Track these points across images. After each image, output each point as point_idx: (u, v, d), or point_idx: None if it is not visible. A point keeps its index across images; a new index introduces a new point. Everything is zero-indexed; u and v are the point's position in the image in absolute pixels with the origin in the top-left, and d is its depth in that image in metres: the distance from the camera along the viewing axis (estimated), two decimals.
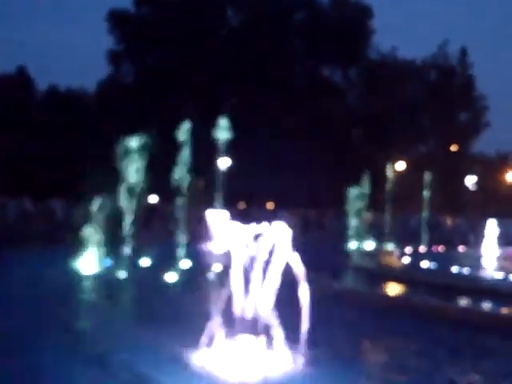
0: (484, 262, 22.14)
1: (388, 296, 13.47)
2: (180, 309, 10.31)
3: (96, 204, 15.97)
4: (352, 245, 27.21)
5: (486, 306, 13.47)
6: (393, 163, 50.32)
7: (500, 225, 31.68)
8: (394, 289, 14.85)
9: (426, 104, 52.78)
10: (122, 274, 14.17)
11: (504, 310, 12.80)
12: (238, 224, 7.24)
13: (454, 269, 16.55)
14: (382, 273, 17.20)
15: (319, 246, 22.94)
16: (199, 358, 6.77)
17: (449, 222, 40.48)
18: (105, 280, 13.90)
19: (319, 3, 51.93)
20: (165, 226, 23.68)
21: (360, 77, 53.88)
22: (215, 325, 7.04)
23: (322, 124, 45.22)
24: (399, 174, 50.92)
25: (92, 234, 15.62)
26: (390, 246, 27.44)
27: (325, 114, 46.21)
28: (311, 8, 51.30)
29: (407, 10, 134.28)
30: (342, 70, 53.54)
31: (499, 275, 16.14)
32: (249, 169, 36.54)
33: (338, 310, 10.78)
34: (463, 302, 13.30)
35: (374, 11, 51.80)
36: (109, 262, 15.45)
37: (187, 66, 44.68)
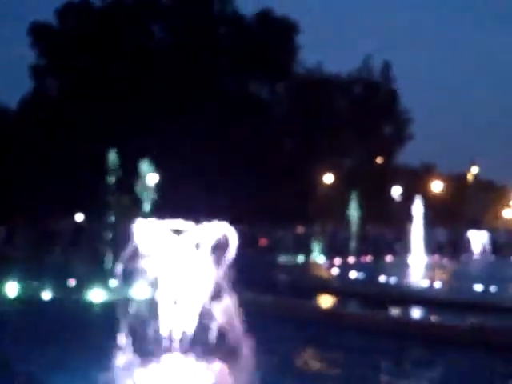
0: (410, 270, 22.63)
1: (316, 307, 13.57)
2: (102, 329, 10.06)
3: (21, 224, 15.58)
4: (283, 258, 27.37)
5: (413, 313, 13.75)
6: (321, 176, 51.05)
7: (426, 233, 32.43)
8: (323, 300, 14.97)
9: (351, 117, 53.72)
10: (47, 295, 13.77)
11: (431, 318, 13.10)
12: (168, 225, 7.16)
13: (381, 278, 16.81)
14: (311, 285, 17.34)
15: (251, 261, 22.91)
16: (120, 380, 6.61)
17: (376, 232, 41.17)
18: (28, 302, 13.47)
19: (244, 18, 52.24)
20: (92, 244, 23.29)
21: (287, 91, 54.40)
22: (138, 344, 6.91)
23: (250, 139, 45.39)
24: (328, 187, 51.67)
25: (17, 255, 15.20)
26: (319, 258, 27.71)
27: (253, 128, 46.40)
28: (236, 23, 51.56)
29: (333, 24, 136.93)
30: (269, 85, 53.93)
31: (425, 283, 16.48)
32: (180, 185, 36.31)
33: (267, 323, 10.77)
34: (391, 310, 13.49)
35: (300, 26, 52.45)
36: (34, 283, 15.02)
37: (111, 81, 44.13)
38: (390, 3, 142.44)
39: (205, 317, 7.15)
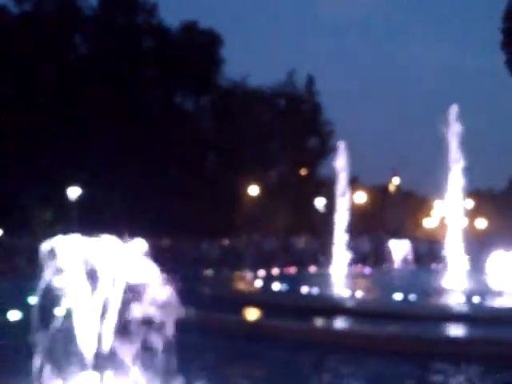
0: (333, 281, 22.89)
1: (239, 320, 13.56)
2: (16, 349, 9.77)
3: None
4: (208, 271, 27.24)
5: (336, 323, 13.92)
6: (246, 188, 51.30)
7: (349, 243, 32.87)
8: (246, 313, 14.95)
9: (277, 130, 54.30)
10: None
11: (354, 328, 13.32)
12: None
13: (304, 289, 16.93)
14: (235, 297, 17.30)
15: (176, 274, 22.66)
16: None
17: (300, 243, 41.59)
18: None
19: (169, 30, 52.13)
20: (10, 259, 22.63)
21: (212, 104, 54.54)
22: (54, 362, 6.73)
23: (175, 151, 45.19)
24: (253, 199, 51.94)
25: None
26: (243, 271, 27.70)
27: (178, 141, 46.21)
28: (161, 35, 51.40)
29: (258, 38, 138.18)
30: (193, 98, 53.93)
31: (347, 293, 16.70)
32: (103, 199, 35.78)
33: (190, 337, 10.69)
34: (314, 321, 13.62)
35: (224, 39, 52.78)
36: None
37: (29, 95, 43.06)
38: (314, 19, 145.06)
39: (124, 332, 7.04)
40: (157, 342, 6.79)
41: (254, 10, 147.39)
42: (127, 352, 6.88)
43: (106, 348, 6.87)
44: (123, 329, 6.98)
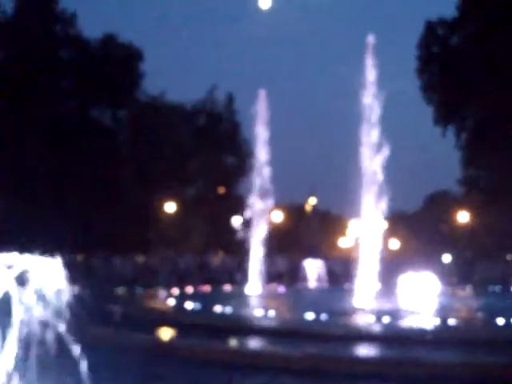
0: (247, 300, 22.84)
1: (150, 339, 13.28)
2: None
3: None
4: (121, 288, 26.69)
5: (249, 343, 13.84)
6: (162, 204, 50.76)
7: (266, 262, 32.92)
8: (158, 332, 14.68)
9: (195, 147, 54.12)
10: None
11: (266, 347, 13.27)
12: None
13: (218, 308, 16.78)
14: (147, 316, 17.00)
15: (86, 293, 22.10)
16: None
17: (216, 261, 41.48)
18: None
19: (87, 42, 51.22)
20: None
21: (129, 119, 53.86)
22: None
23: (90, 165, 44.25)
24: (170, 216, 51.46)
25: None
26: (157, 289, 27.25)
27: (93, 154, 45.31)
28: (79, 46, 50.42)
29: (178, 54, 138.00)
30: (110, 112, 53.10)
31: (260, 312, 16.65)
32: (13, 213, 34.57)
33: (101, 357, 10.33)
34: (227, 341, 13.49)
35: (143, 53, 52.28)
36: None
37: None
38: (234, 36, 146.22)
39: (30, 353, 6.65)
40: (63, 360, 6.47)
41: (175, 24, 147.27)
42: (31, 372, 6.52)
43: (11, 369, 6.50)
44: (26, 347, 6.62)
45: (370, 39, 22.94)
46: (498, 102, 36.83)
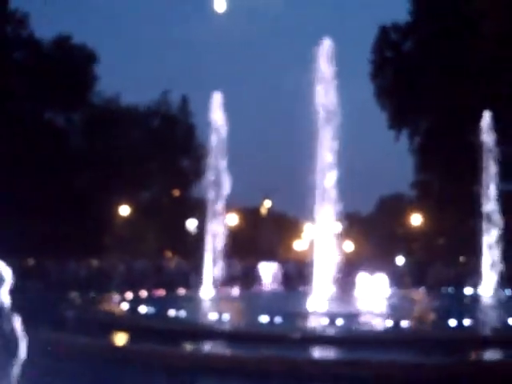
0: (202, 303, 22.78)
1: (102, 344, 13.14)
2: None
3: None
4: (75, 294, 26.31)
5: (203, 347, 13.80)
6: (117, 208, 50.33)
7: (221, 265, 32.86)
8: (111, 336, 14.53)
9: (150, 150, 53.83)
10: None
11: (220, 351, 13.25)
12: None
13: (171, 312, 16.69)
14: (100, 321, 16.82)
15: (39, 297, 21.81)
16: None
17: (171, 265, 41.21)
18: None
19: (41, 43, 50.53)
20: None
21: (83, 121, 53.34)
22: None
23: (43, 168, 43.64)
24: (125, 219, 51.06)
25: None
26: (111, 293, 26.97)
27: (47, 157, 44.69)
28: (32, 48, 49.72)
29: (131, 55, 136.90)
30: (65, 114, 52.50)
31: (214, 316, 16.59)
32: None
33: (51, 363, 10.19)
34: (180, 345, 13.43)
35: (98, 55, 51.84)
36: None
37: None
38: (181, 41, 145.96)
39: None
40: (11, 367, 6.33)
41: (130, 26, 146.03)
42: None
43: None
44: None
45: (326, 43, 23.04)
46: (449, 107, 37.60)
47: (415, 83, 40.52)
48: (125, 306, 19.68)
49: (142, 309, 17.77)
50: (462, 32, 36.17)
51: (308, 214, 23.24)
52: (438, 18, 39.62)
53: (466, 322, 14.42)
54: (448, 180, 36.92)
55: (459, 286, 30.88)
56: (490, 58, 33.82)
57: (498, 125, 28.58)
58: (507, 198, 28.65)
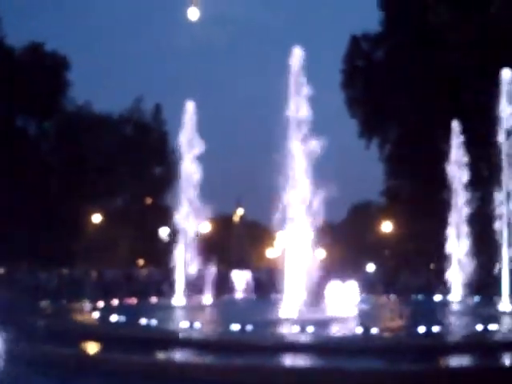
0: (174, 311, 22.78)
1: (73, 354, 13.11)
2: None
3: None
4: (45, 303, 26.10)
5: (175, 355, 13.82)
6: (89, 215, 50.03)
7: (193, 273, 32.80)
8: (82, 346, 14.47)
9: (122, 157, 53.65)
10: None
11: (192, 359, 13.29)
12: None
13: (143, 321, 16.67)
14: (71, 330, 16.76)
15: (9, 306, 21.59)
16: None
17: (143, 273, 41.12)
18: None
19: (11, 50, 50.16)
20: None
21: (56, 128, 53.01)
22: None
23: (14, 175, 43.26)
24: (96, 227, 50.74)
25: None
26: (83, 302, 26.82)
27: (18, 164, 44.32)
28: (3, 54, 49.32)
29: (103, 63, 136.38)
30: (37, 120, 52.14)
31: (186, 324, 16.63)
32: None
33: (22, 373, 10.18)
34: (152, 354, 13.43)
35: (69, 63, 51.63)
36: None
37: None
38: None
39: None
40: None
41: (103, 34, 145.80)
42: None
43: None
44: None
45: (296, 52, 23.18)
46: (418, 116, 38.13)
47: (385, 92, 41.01)
48: (96, 315, 19.61)
49: (113, 317, 17.72)
50: (430, 42, 36.74)
51: (280, 222, 23.38)
52: (407, 29, 40.17)
53: (435, 328, 14.66)
54: (417, 187, 37.41)
55: (429, 293, 31.29)
56: (456, 68, 34.42)
57: (465, 133, 29.10)
58: (475, 204, 29.14)
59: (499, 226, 23.15)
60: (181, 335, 15.28)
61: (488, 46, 32.32)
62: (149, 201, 56.32)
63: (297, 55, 22.98)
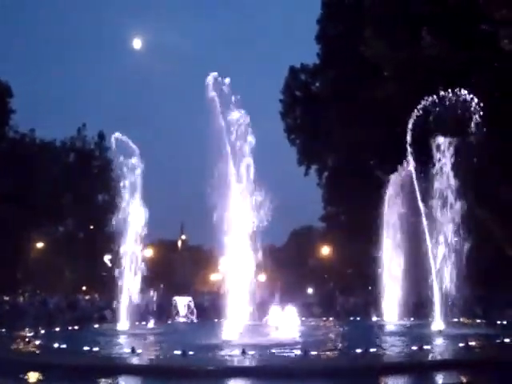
0: (117, 338, 22.88)
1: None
2: None
3: None
4: None
5: (119, 382, 13.98)
6: (33, 243, 49.49)
7: (137, 300, 32.80)
8: (24, 375, 14.45)
9: (66, 185, 53.32)
10: None
11: None
12: None
13: (85, 348, 16.84)
14: (12, 359, 16.63)
15: None
16: None
17: (87, 299, 40.89)
18: None
19: None
20: None
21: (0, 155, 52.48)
22: None
23: None
24: (40, 254, 50.17)
25: None
26: (25, 330, 26.69)
27: None
28: None
29: (47, 91, 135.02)
30: None
31: (129, 351, 16.84)
32: None
33: None
34: (94, 381, 13.50)
35: (12, 90, 51.28)
36: None
37: None
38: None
39: None
40: None
41: (46, 61, 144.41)
42: None
43: None
44: None
45: (226, 81, 23.63)
46: (353, 144, 39.35)
47: (322, 121, 42.18)
48: (38, 343, 19.60)
49: (56, 345, 17.78)
50: (364, 74, 38.03)
51: (221, 247, 23.89)
52: (343, 61, 41.52)
53: (372, 349, 15.32)
54: (354, 213, 38.43)
55: (366, 315, 32.19)
56: (390, 98, 35.71)
57: (399, 159, 30.29)
58: (410, 228, 30.21)
59: (430, 248, 24.23)
60: (123, 362, 15.43)
61: (419, 79, 33.75)
62: (92, 228, 55.95)
63: (226, 87, 23.40)
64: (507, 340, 16.85)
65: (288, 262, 63.45)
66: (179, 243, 71.05)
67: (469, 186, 25.52)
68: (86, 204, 54.25)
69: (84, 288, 50.32)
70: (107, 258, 47.26)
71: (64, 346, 17.58)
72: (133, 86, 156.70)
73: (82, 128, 57.51)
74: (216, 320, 30.36)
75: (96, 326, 29.35)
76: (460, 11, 31.96)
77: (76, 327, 28.31)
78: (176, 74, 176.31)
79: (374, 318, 30.99)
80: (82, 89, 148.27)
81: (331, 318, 33.31)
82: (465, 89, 25.47)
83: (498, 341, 17.15)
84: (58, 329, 27.02)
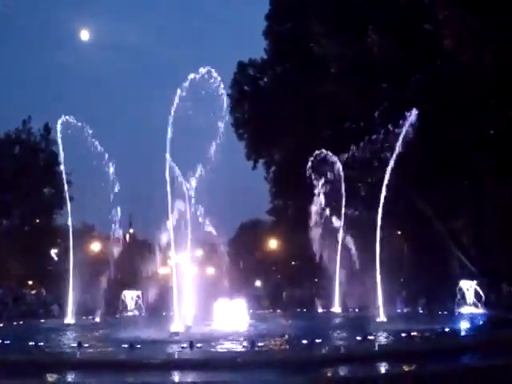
0: (63, 332, 22.72)
1: None
2: None
3: None
4: None
5: (63, 378, 13.85)
6: None
7: (84, 294, 32.56)
8: None
9: (11, 178, 52.36)
10: None
11: (83, 380, 13.51)
12: None
13: (32, 343, 16.72)
14: None
15: None
16: None
17: (34, 293, 40.37)
18: None
19: None
20: None
21: None
22: None
23: None
24: None
25: None
26: None
27: None
28: None
29: None
30: None
31: (75, 345, 16.77)
32: None
33: None
34: (40, 376, 13.39)
35: None
36: None
37: None
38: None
39: None
40: None
41: None
42: None
43: None
44: None
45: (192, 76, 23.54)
46: (299, 139, 39.84)
47: (270, 116, 42.53)
48: None
49: (0, 340, 17.54)
50: (312, 69, 38.47)
51: (169, 241, 23.96)
52: (289, 56, 41.94)
53: (318, 340, 15.60)
54: (300, 207, 38.93)
55: (312, 306, 32.74)
56: (337, 93, 36.25)
57: (345, 153, 30.99)
58: (353, 221, 30.95)
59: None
60: (70, 356, 15.34)
61: (365, 76, 34.35)
62: (39, 221, 55.11)
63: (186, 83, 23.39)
64: None
65: (237, 255, 63.65)
66: (127, 237, 70.50)
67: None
68: (31, 197, 53.39)
69: (30, 282, 49.62)
70: (53, 252, 46.87)
71: (8, 340, 17.36)
72: (81, 80, 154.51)
73: (28, 120, 56.45)
74: (164, 314, 30.44)
75: (42, 320, 29.09)
76: (407, 11, 32.59)
77: (21, 322, 28.01)
78: (125, 66, 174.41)
79: (319, 309, 31.55)
80: (27, 80, 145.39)
81: (278, 310, 33.71)
82: (405, 88, 26.25)
83: None
84: (1, 324, 26.70)
